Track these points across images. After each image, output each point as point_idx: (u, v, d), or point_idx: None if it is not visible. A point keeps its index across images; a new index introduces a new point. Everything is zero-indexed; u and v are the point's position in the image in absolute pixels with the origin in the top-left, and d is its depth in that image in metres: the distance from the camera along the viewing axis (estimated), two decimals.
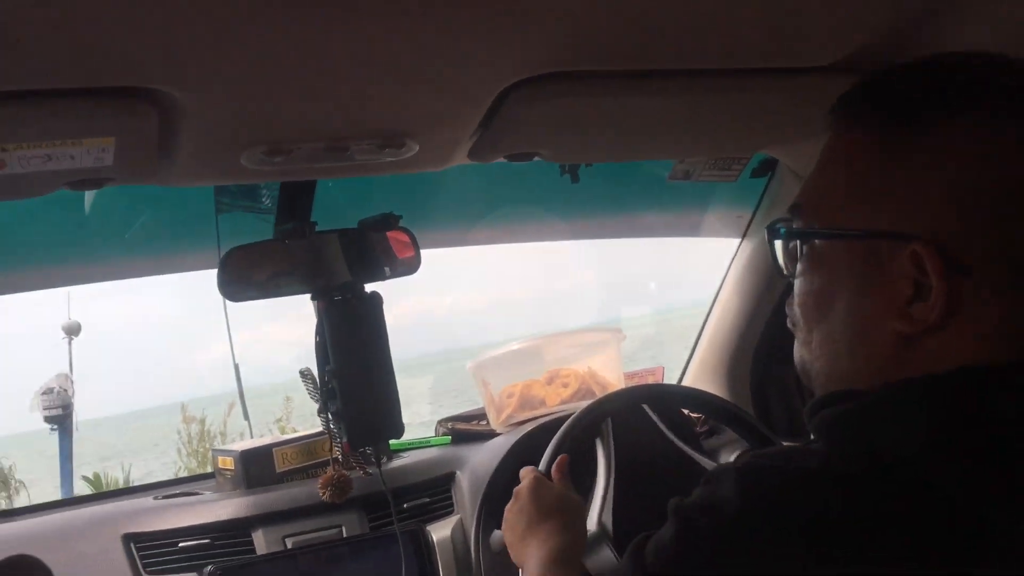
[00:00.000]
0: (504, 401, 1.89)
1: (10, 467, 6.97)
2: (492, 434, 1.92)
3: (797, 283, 0.81)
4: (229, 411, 6.84)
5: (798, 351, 0.83)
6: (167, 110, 0.96)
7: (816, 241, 0.78)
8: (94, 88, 0.91)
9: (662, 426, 1.59)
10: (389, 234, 1.45)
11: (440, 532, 1.67)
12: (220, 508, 1.62)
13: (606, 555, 1.40)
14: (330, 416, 1.48)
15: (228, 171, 1.16)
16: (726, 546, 0.74)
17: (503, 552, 1.50)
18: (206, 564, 1.51)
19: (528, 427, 1.78)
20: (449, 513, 1.73)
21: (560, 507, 1.27)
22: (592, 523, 1.44)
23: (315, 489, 1.64)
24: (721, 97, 1.16)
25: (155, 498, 1.79)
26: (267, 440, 1.81)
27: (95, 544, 1.53)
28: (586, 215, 1.88)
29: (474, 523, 1.69)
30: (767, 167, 1.66)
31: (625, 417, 1.56)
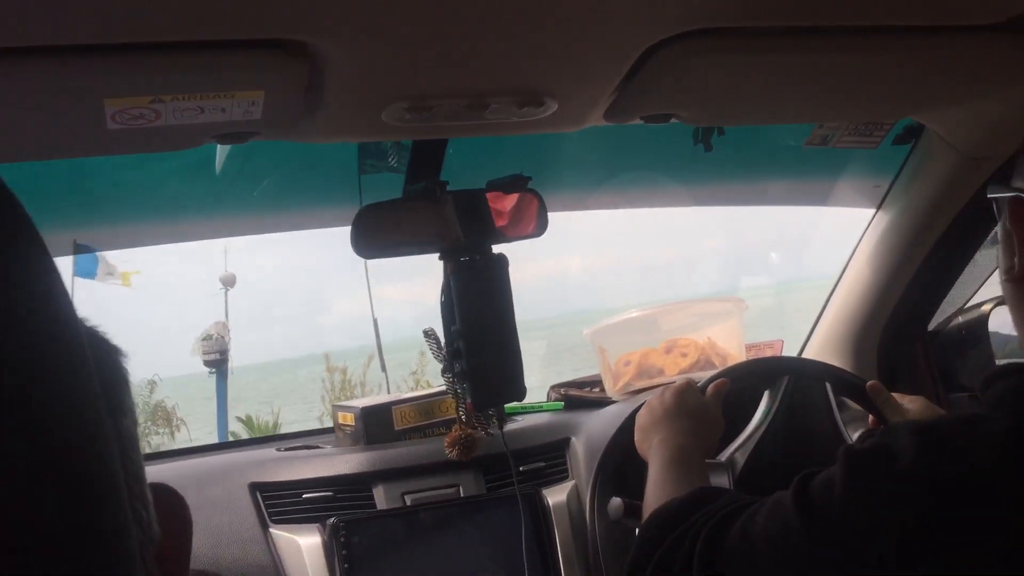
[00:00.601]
0: (621, 369, 1.88)
1: (173, 406, 7.49)
2: (606, 401, 1.91)
3: None
4: (368, 363, 7.15)
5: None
6: (316, 64, 0.96)
7: None
8: (248, 40, 0.92)
9: (834, 405, 1.55)
10: (517, 195, 1.44)
11: (555, 497, 1.67)
12: (341, 462, 1.65)
13: (721, 482, 1.39)
14: (454, 376, 1.49)
15: (369, 127, 1.16)
16: (895, 492, 0.76)
17: (619, 520, 1.49)
18: (329, 516, 1.54)
19: (646, 395, 1.75)
20: (564, 479, 1.73)
21: (698, 413, 1.29)
22: (724, 455, 1.44)
23: (433, 447, 1.66)
24: (877, 57, 1.10)
25: (278, 450, 1.84)
26: (386, 398, 1.83)
27: (224, 490, 1.58)
28: (712, 182, 1.83)
29: (589, 490, 1.68)
30: (912, 134, 1.59)
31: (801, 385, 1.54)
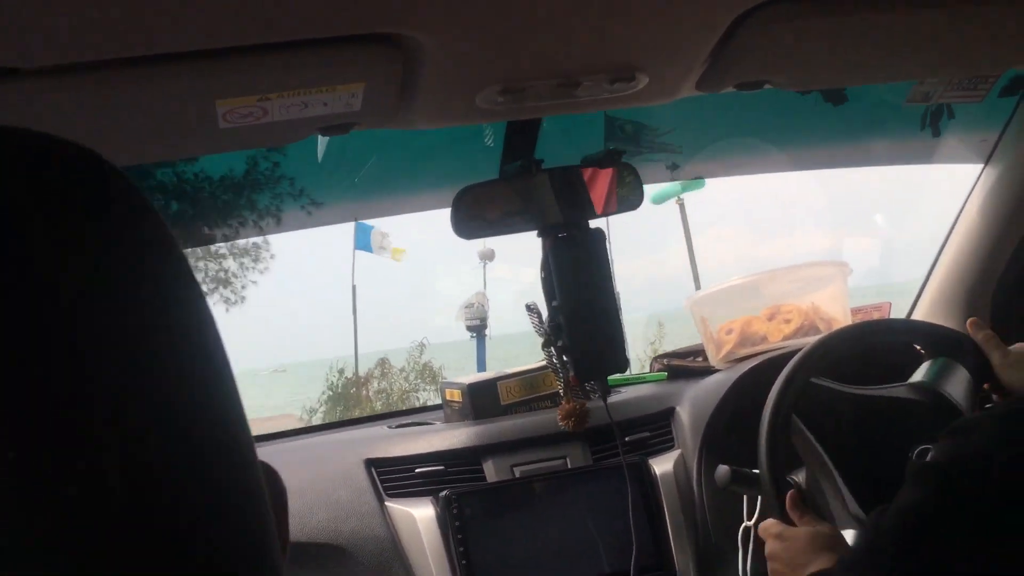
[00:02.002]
0: (723, 337, 1.87)
1: (439, 367, 8.08)
2: (710, 370, 1.91)
3: None
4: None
5: None
6: (411, 54, 0.99)
7: None
8: (348, 36, 0.95)
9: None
10: (612, 170, 1.46)
11: (662, 466, 1.68)
12: (451, 437, 1.70)
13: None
14: (554, 351, 1.51)
15: (463, 112, 1.19)
16: (988, 503, 0.68)
17: (727, 487, 1.50)
18: (441, 489, 1.59)
19: (751, 363, 1.75)
20: (669, 448, 1.74)
21: (815, 548, 1.22)
22: (847, 528, 1.34)
23: (539, 420, 1.69)
24: (977, 6, 1.07)
25: (389, 427, 1.90)
26: (491, 375, 1.88)
27: (341, 467, 1.65)
28: (809, 145, 1.81)
29: (695, 458, 1.69)
30: (1019, 84, 1.53)
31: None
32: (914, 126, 1.73)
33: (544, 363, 1.73)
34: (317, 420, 7.34)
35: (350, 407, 8.01)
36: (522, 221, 1.43)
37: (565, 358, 1.51)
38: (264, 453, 1.81)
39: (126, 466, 0.33)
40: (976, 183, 1.71)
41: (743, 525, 1.59)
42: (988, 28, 1.16)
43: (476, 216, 1.37)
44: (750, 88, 1.25)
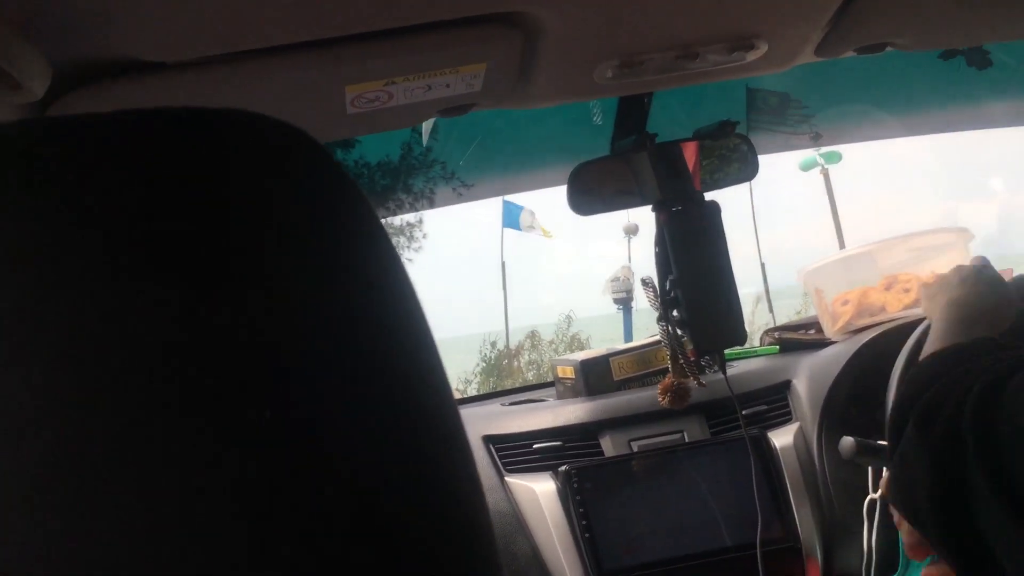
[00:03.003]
0: (839, 309, 1.84)
1: (586, 338, 8.46)
2: (825, 343, 1.88)
3: None
4: (755, 304, 7.67)
5: None
6: (530, 31, 1.01)
7: None
8: (468, 17, 0.97)
9: None
10: (726, 141, 1.45)
11: (781, 439, 1.67)
12: (567, 413, 1.72)
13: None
14: (668, 325, 1.52)
15: (580, 89, 1.20)
16: None
17: (853, 459, 1.48)
18: (560, 464, 1.61)
19: (871, 333, 1.72)
20: (787, 421, 1.72)
21: (998, 287, 1.16)
22: None
23: (653, 396, 1.69)
24: None
25: (503, 404, 1.93)
26: (603, 351, 1.89)
27: None
28: (911, 109, 1.76)
29: (816, 430, 1.67)
30: None
31: None
32: None
33: (658, 338, 1.73)
34: (472, 391, 7.67)
35: (503, 378, 8.34)
36: (636, 196, 1.43)
37: (680, 332, 1.51)
38: None
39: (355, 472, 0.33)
40: None
41: (868, 497, 1.57)
42: None
43: (591, 192, 1.39)
44: (871, 51, 1.23)
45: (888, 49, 1.23)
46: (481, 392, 4.05)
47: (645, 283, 1.55)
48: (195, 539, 0.30)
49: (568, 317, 8.80)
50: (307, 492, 0.31)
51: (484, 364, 8.70)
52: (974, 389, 0.82)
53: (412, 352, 0.38)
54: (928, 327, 1.42)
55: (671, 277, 1.44)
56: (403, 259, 0.40)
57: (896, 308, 1.77)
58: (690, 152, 1.43)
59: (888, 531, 1.56)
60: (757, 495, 1.53)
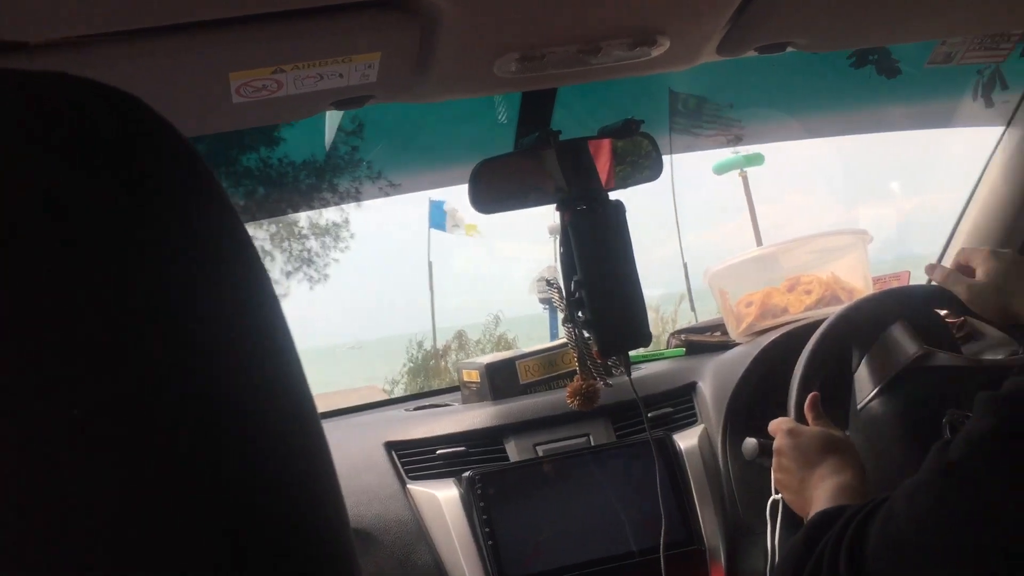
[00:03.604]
0: (743, 310, 1.85)
1: (513, 338, 8.44)
2: (730, 344, 1.89)
3: None
4: (678, 304, 7.79)
5: None
6: (428, 21, 0.97)
7: None
8: (361, 3, 0.93)
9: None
10: (629, 140, 1.43)
11: (686, 441, 1.66)
12: (472, 418, 1.68)
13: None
14: (574, 326, 1.49)
15: (481, 83, 1.17)
16: None
17: (755, 460, 1.48)
18: (463, 470, 1.57)
19: (772, 335, 1.73)
20: (692, 423, 1.72)
21: (826, 448, 1.20)
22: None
23: (559, 399, 1.67)
24: None
25: (407, 409, 1.88)
26: (509, 354, 1.85)
27: (361, 451, 1.63)
28: (827, 112, 1.78)
29: (720, 432, 1.67)
30: None
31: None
32: (933, 89, 1.71)
33: (564, 341, 1.70)
34: (399, 391, 7.67)
35: (430, 378, 8.37)
36: (540, 194, 1.40)
37: (586, 334, 1.49)
38: None
39: (197, 433, 0.32)
40: (997, 146, 1.68)
41: (771, 498, 1.57)
42: None
43: (494, 190, 1.35)
44: (772, 51, 1.23)
45: (789, 49, 1.23)
46: (409, 393, 4.01)
47: (550, 284, 1.53)
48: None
49: (496, 317, 8.87)
50: (157, 494, 0.30)
51: (411, 364, 8.74)
52: (840, 552, 0.85)
53: (258, 328, 0.36)
54: (830, 324, 1.43)
55: (576, 278, 1.41)
56: (264, 261, 0.38)
57: (798, 309, 1.79)
58: (595, 150, 1.41)
59: (791, 532, 1.57)
60: (661, 498, 1.52)
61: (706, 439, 1.67)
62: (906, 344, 1.30)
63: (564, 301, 1.46)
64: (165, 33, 0.89)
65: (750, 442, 1.47)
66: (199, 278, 0.34)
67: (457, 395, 1.93)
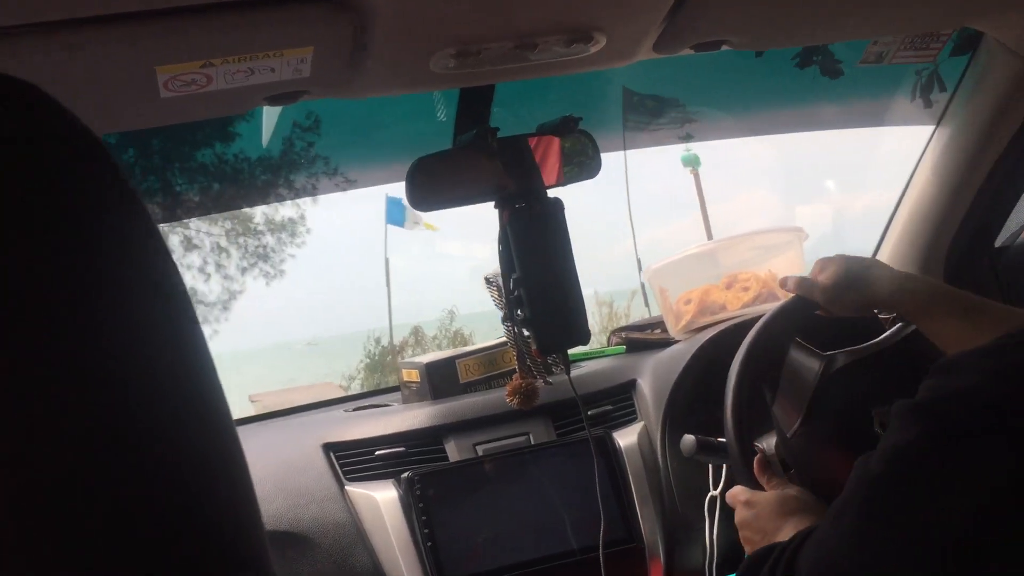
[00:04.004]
0: (682, 308, 1.86)
1: (470, 334, 8.68)
2: (669, 342, 1.90)
3: None
4: (631, 298, 7.86)
5: None
6: (362, 15, 0.95)
7: None
8: None
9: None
10: (568, 138, 1.43)
11: (626, 439, 1.67)
12: (411, 418, 1.67)
13: (813, 367, 1.30)
14: (513, 325, 1.48)
15: (416, 78, 1.15)
16: (978, 440, 0.66)
17: (693, 456, 1.49)
18: (402, 471, 1.56)
19: (710, 332, 1.74)
20: (632, 420, 1.72)
21: (784, 512, 1.20)
22: (831, 352, 1.31)
23: (500, 398, 1.66)
24: None
25: (346, 410, 1.86)
26: (449, 353, 1.84)
27: (299, 453, 1.60)
28: (762, 110, 1.81)
29: (659, 429, 1.68)
30: (970, 43, 1.53)
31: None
32: (867, 88, 1.74)
33: (504, 339, 1.70)
34: (356, 387, 7.63)
35: (387, 374, 8.36)
36: (478, 192, 1.39)
37: (526, 332, 1.48)
38: None
39: (100, 427, 0.30)
40: (928, 144, 1.72)
41: (709, 495, 1.58)
42: None
43: (431, 187, 1.33)
44: (708, 49, 1.23)
45: (724, 47, 1.23)
46: (366, 389, 3.98)
47: (489, 282, 1.52)
48: None
49: (451, 313, 9.01)
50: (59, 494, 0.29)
51: (368, 361, 8.75)
52: None
53: (166, 322, 0.35)
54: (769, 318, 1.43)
55: (515, 276, 1.40)
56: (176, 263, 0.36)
57: (736, 306, 1.80)
58: (534, 148, 1.40)
59: (729, 528, 1.58)
60: (600, 496, 1.52)
61: (645, 436, 1.68)
62: (807, 361, 1.31)
63: (503, 299, 1.46)
64: (88, 25, 0.86)
65: (688, 439, 1.48)
66: (105, 277, 0.33)
67: (398, 395, 1.91)
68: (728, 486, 1.56)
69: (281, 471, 1.58)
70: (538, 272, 1.39)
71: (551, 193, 1.41)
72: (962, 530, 0.65)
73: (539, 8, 1.02)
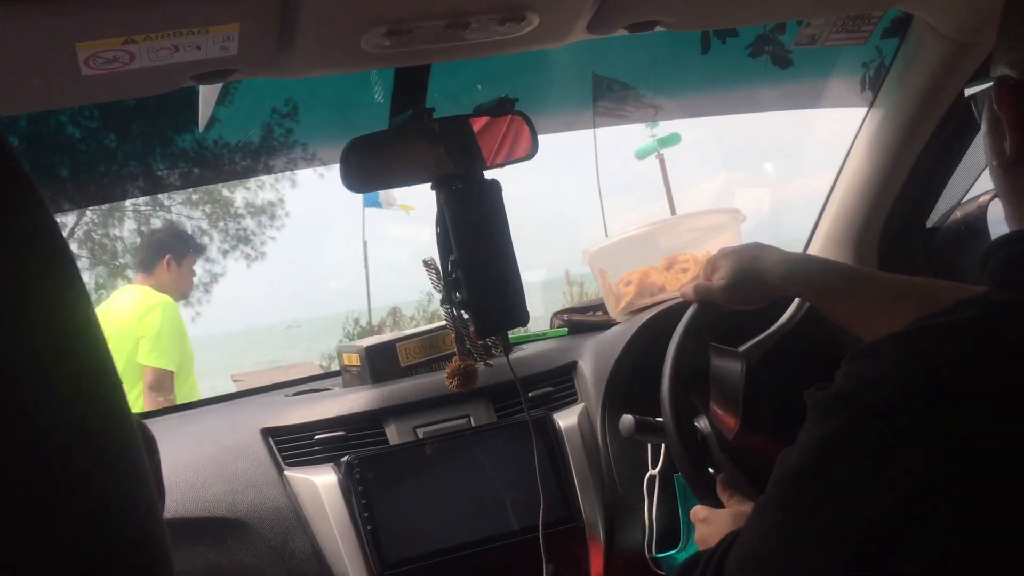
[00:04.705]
0: (622, 289, 1.87)
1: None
2: (610, 324, 1.91)
3: None
4: (602, 278, 8.10)
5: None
6: None
7: None
8: None
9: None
10: (504, 119, 1.42)
11: (566, 420, 1.68)
12: (351, 401, 1.66)
13: (734, 368, 1.32)
14: (452, 307, 1.48)
15: (348, 57, 1.14)
16: (895, 427, 0.65)
17: (631, 436, 1.50)
18: (342, 455, 1.55)
19: (649, 313, 1.75)
20: (573, 402, 1.73)
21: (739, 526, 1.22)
22: (742, 346, 1.35)
23: (441, 381, 1.66)
24: None
25: (286, 395, 1.84)
26: (389, 336, 1.83)
27: (237, 438, 1.59)
28: (700, 91, 1.82)
29: (599, 410, 1.69)
30: (900, 25, 1.56)
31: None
32: (803, 70, 1.77)
33: (445, 322, 1.69)
34: (335, 368, 7.76)
35: None
36: (415, 173, 1.38)
37: (465, 315, 1.48)
38: (160, 425, 1.72)
39: None
40: (861, 126, 1.74)
41: (648, 474, 1.60)
42: None
43: (366, 169, 1.32)
44: (642, 30, 1.24)
45: (658, 28, 1.24)
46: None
47: (427, 264, 1.51)
48: None
49: (429, 294, 9.14)
50: None
51: (347, 341, 8.90)
52: None
53: (58, 308, 0.35)
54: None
55: (452, 258, 1.40)
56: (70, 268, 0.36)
57: (675, 287, 1.82)
58: (469, 129, 1.40)
59: (668, 506, 1.60)
60: (539, 477, 1.53)
61: (586, 417, 1.69)
62: (728, 363, 1.33)
63: (441, 281, 1.45)
64: (3, 1, 0.84)
65: (627, 419, 1.49)
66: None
67: (339, 380, 1.90)
68: (667, 465, 1.58)
69: (219, 457, 1.56)
70: (475, 254, 1.39)
71: (489, 174, 1.40)
72: (881, 517, 0.64)
73: None
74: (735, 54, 1.81)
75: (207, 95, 2.00)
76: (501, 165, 1.43)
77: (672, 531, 1.59)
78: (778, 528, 0.73)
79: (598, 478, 1.63)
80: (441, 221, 1.40)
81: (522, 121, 1.43)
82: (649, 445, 1.59)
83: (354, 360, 1.80)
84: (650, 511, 1.60)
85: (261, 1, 0.93)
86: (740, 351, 1.34)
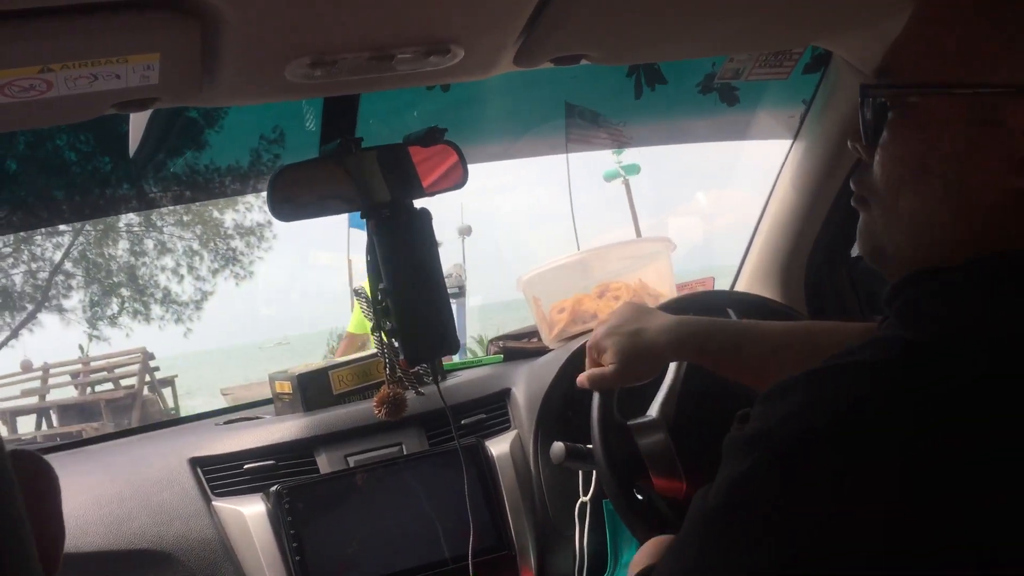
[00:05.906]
0: (555, 317, 1.89)
1: None
2: (544, 350, 1.92)
3: (882, 153, 0.77)
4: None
5: (872, 229, 0.80)
6: (210, 21, 0.94)
7: (913, 100, 0.73)
8: (138, 1, 0.89)
9: None
10: (435, 149, 1.43)
11: (498, 447, 1.68)
12: (282, 430, 1.64)
13: (659, 439, 1.37)
14: (383, 335, 1.48)
15: (272, 87, 1.14)
16: (806, 465, 0.65)
17: (562, 463, 1.51)
18: (271, 484, 1.53)
19: (581, 340, 1.77)
20: (506, 429, 1.74)
21: (654, 554, 1.20)
22: (654, 410, 1.41)
23: (372, 408, 1.66)
24: None
25: (216, 424, 1.82)
26: (322, 364, 1.82)
27: (163, 468, 1.56)
28: (632, 123, 1.86)
29: (531, 437, 1.69)
30: (820, 62, 1.61)
31: None
32: (729, 103, 1.81)
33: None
34: None
35: None
36: (344, 202, 1.39)
37: (395, 342, 1.48)
38: (84, 455, 1.69)
39: None
40: (786, 158, 1.79)
41: (579, 501, 1.61)
42: (789, 4, 1.20)
43: (294, 197, 1.32)
44: (568, 63, 1.25)
45: (584, 62, 1.26)
46: None
47: (358, 293, 1.51)
48: None
49: None
50: None
51: (330, 357, 8.99)
52: None
53: None
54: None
55: (381, 286, 1.40)
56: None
57: (606, 314, 1.83)
58: (400, 158, 1.40)
59: (598, 533, 1.61)
60: (470, 505, 1.53)
61: (518, 445, 1.70)
62: (650, 436, 1.37)
63: (371, 309, 1.45)
64: None
65: (557, 446, 1.50)
66: None
67: (271, 408, 1.88)
68: (597, 492, 1.59)
69: (145, 488, 1.54)
70: (405, 282, 1.39)
71: (418, 203, 1.41)
72: (791, 559, 0.65)
73: (393, 21, 1.02)
74: (687, 91, 1.91)
75: (137, 122, 1.98)
76: (430, 195, 1.43)
77: (601, 559, 1.60)
78: (694, 569, 0.72)
79: (530, 505, 1.64)
80: (371, 249, 1.40)
81: (452, 151, 1.44)
82: (580, 472, 1.60)
83: (286, 388, 1.78)
84: (581, 538, 1.61)
85: (181, 31, 0.93)
86: (656, 417, 1.37)
